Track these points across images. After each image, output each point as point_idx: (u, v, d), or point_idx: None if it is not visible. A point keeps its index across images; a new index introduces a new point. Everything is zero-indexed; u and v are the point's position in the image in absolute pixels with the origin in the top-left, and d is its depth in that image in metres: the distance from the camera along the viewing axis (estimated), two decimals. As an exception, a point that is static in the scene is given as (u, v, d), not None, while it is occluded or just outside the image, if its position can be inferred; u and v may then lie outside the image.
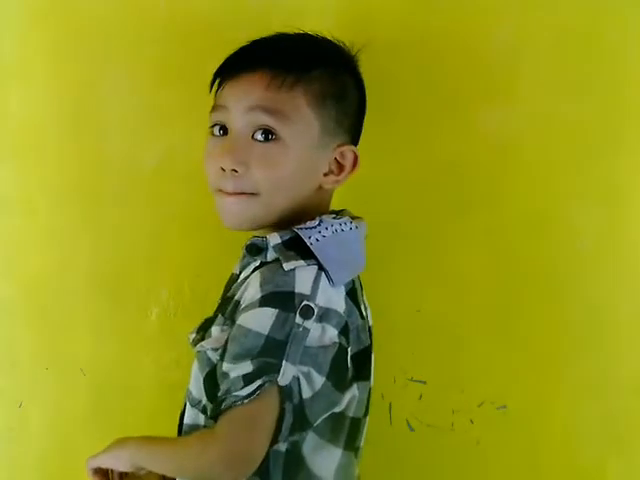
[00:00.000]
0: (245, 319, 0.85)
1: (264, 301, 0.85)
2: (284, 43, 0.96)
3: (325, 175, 0.95)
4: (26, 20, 1.22)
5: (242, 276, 0.95)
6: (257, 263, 0.93)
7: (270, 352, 0.83)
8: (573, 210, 1.19)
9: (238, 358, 0.84)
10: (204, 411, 0.91)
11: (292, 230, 0.90)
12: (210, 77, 1.19)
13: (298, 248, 0.88)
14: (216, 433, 0.84)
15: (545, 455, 1.21)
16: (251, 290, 0.87)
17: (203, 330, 0.94)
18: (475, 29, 1.18)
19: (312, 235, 0.89)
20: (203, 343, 0.91)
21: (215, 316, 0.94)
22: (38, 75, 1.22)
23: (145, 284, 1.24)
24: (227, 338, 0.87)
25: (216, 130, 0.94)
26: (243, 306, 0.87)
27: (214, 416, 0.86)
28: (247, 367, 0.83)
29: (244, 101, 0.91)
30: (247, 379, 0.82)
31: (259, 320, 0.84)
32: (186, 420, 0.95)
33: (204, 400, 0.91)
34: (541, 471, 1.22)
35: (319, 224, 0.91)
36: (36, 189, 1.24)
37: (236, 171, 0.90)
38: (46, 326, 1.25)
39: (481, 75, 1.18)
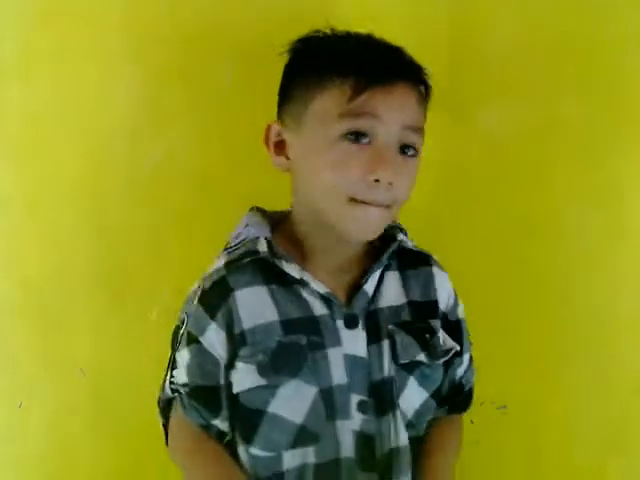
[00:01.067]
0: (463, 311, 1.03)
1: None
2: (402, 51, 0.93)
3: None
4: (27, 20, 1.22)
5: (371, 282, 0.95)
6: (381, 267, 0.96)
7: None
8: (573, 210, 1.19)
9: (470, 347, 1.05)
10: (415, 427, 0.95)
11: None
12: (210, 77, 1.20)
13: None
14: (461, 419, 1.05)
15: (545, 455, 1.22)
16: (447, 285, 1.01)
17: (425, 348, 0.95)
18: (475, 29, 1.18)
19: None
20: (445, 357, 0.98)
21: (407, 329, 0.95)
22: (39, 75, 1.22)
23: (145, 284, 1.24)
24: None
25: (363, 139, 0.87)
26: (452, 303, 1.01)
27: (463, 407, 1.04)
28: None
29: (401, 117, 0.88)
30: None
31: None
32: (402, 443, 0.92)
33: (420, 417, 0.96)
34: (541, 471, 1.22)
35: None
36: (36, 189, 1.24)
37: (391, 184, 0.87)
38: (46, 326, 1.25)
39: (481, 75, 1.18)
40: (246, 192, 1.20)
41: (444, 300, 1.00)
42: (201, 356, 0.92)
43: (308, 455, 0.90)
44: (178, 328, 0.97)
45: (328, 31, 0.94)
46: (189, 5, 1.21)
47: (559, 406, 1.21)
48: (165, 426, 1.01)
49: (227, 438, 0.94)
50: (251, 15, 1.20)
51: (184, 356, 0.94)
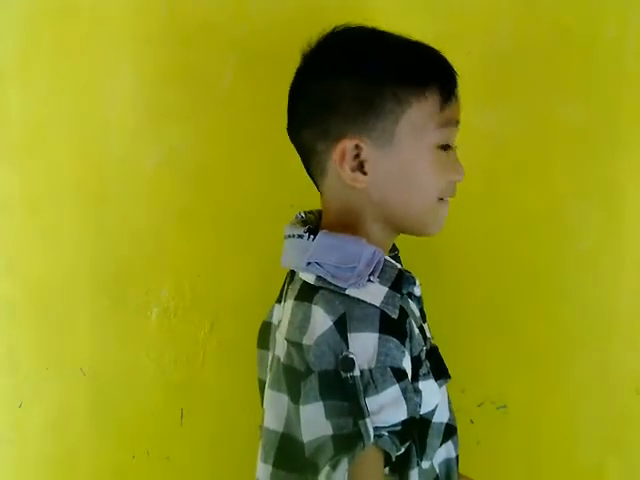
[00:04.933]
0: None
1: None
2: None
3: None
4: (28, 20, 1.22)
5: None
6: None
7: None
8: (572, 210, 1.19)
9: None
10: None
11: None
12: (210, 77, 1.20)
13: None
14: None
15: (545, 455, 1.21)
16: None
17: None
18: (475, 29, 1.18)
19: None
20: None
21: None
22: (39, 75, 1.22)
23: (145, 284, 1.24)
24: None
25: (451, 147, 0.93)
26: None
27: None
28: None
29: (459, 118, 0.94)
30: None
31: None
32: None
33: None
34: (541, 471, 1.22)
35: None
36: (36, 189, 1.24)
37: None
38: (46, 326, 1.25)
39: (481, 75, 1.18)
40: (246, 192, 1.21)
41: None
42: (409, 388, 0.84)
43: (451, 449, 0.95)
44: (331, 373, 0.82)
45: (357, 32, 0.94)
46: (189, 5, 1.21)
47: (559, 406, 1.21)
48: None
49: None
50: (251, 15, 1.20)
51: (395, 394, 0.83)
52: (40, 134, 1.24)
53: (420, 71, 0.90)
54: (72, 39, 1.21)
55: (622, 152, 1.18)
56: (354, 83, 0.89)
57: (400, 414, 0.82)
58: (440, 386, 0.91)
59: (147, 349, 1.24)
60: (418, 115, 0.88)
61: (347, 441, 0.80)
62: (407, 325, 0.85)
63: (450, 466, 0.95)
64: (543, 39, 1.17)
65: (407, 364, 0.84)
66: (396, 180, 0.91)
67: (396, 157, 0.90)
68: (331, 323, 0.82)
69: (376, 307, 0.83)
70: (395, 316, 0.83)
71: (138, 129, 1.23)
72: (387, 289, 0.85)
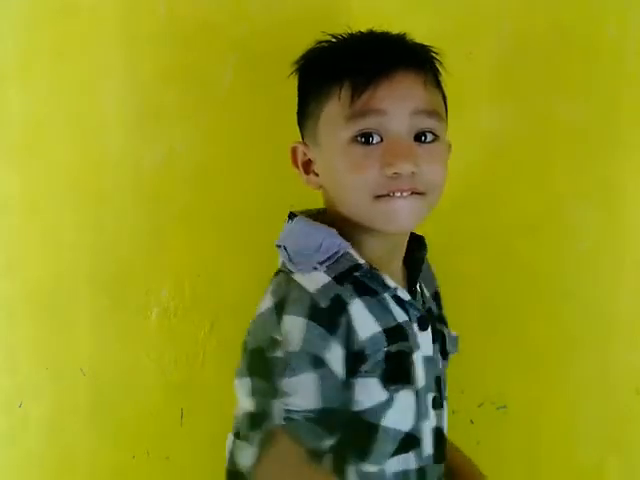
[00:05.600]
0: None
1: None
2: (401, 40, 0.92)
3: None
4: (27, 21, 1.22)
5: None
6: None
7: None
8: (572, 210, 1.19)
9: None
10: None
11: None
12: (210, 77, 1.20)
13: None
14: None
15: (545, 455, 1.22)
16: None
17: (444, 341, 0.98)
18: (475, 29, 1.18)
19: None
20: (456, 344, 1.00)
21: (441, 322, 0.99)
22: (39, 75, 1.22)
23: (145, 284, 1.24)
24: None
25: (373, 140, 0.87)
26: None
27: None
28: None
29: (407, 104, 0.87)
30: None
31: None
32: (446, 429, 0.97)
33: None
34: (541, 471, 1.22)
35: None
36: (36, 189, 1.24)
37: (414, 173, 0.86)
38: (46, 326, 1.25)
39: (481, 75, 1.18)
40: (246, 192, 1.21)
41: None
42: (330, 378, 0.85)
43: (410, 461, 0.90)
44: (259, 351, 0.87)
45: (329, 38, 0.93)
46: (189, 5, 1.21)
47: (559, 406, 1.21)
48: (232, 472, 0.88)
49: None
50: (251, 15, 1.20)
51: (309, 380, 0.84)
52: (40, 134, 1.24)
53: (331, 66, 0.90)
54: (72, 39, 1.21)
55: (622, 152, 1.18)
56: (298, 86, 0.94)
57: (312, 401, 0.84)
58: (395, 391, 0.88)
59: (147, 349, 1.24)
60: (331, 111, 0.89)
61: (259, 419, 0.84)
62: (341, 318, 0.85)
63: (408, 479, 0.90)
64: (543, 39, 1.17)
65: (333, 355, 0.84)
66: (328, 180, 0.92)
67: (323, 156, 0.91)
68: (271, 304, 0.87)
69: (309, 293, 0.85)
70: (324, 305, 0.84)
71: (138, 129, 1.23)
72: (329, 279, 0.87)
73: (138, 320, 1.24)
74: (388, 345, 0.88)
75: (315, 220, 0.94)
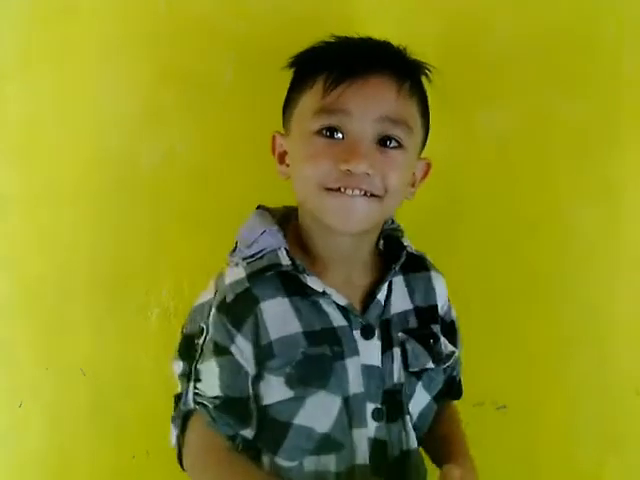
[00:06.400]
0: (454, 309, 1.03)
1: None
2: (386, 46, 0.92)
3: (407, 185, 0.96)
4: (27, 20, 1.22)
5: (383, 291, 0.95)
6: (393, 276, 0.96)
7: None
8: (571, 210, 1.19)
9: None
10: (420, 428, 0.96)
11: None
12: (210, 77, 1.20)
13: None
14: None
15: (544, 455, 1.22)
16: (443, 288, 1.02)
17: (431, 354, 0.96)
18: (475, 29, 1.18)
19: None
20: (448, 362, 0.98)
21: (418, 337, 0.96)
22: (38, 75, 1.22)
23: (145, 284, 1.24)
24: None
25: (336, 134, 0.88)
26: (447, 305, 1.02)
27: (458, 394, 1.05)
28: None
29: (374, 110, 0.88)
30: None
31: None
32: (412, 446, 0.94)
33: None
34: (540, 471, 1.22)
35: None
36: (35, 189, 1.24)
37: (368, 174, 0.87)
38: (46, 326, 1.25)
39: (481, 75, 1.18)
40: (246, 192, 1.20)
41: (442, 303, 1.02)
42: (232, 368, 0.90)
43: (329, 463, 0.90)
44: (191, 337, 0.93)
45: (329, 38, 0.94)
46: (189, 5, 1.21)
47: (559, 406, 1.21)
48: (178, 443, 0.96)
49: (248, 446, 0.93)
50: (251, 14, 1.19)
51: (212, 368, 0.90)
52: (39, 133, 1.24)
53: (312, 61, 0.92)
54: (72, 39, 1.21)
55: (622, 152, 1.18)
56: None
57: (214, 388, 0.90)
58: (305, 391, 0.89)
59: (147, 349, 1.24)
60: (305, 103, 0.91)
61: (178, 401, 0.93)
62: (248, 314, 0.89)
63: None
64: (542, 39, 1.17)
65: (239, 349, 0.89)
66: (292, 170, 0.94)
67: (291, 146, 0.94)
68: (211, 296, 0.93)
69: (224, 286, 0.91)
70: (229, 300, 0.90)
71: (137, 128, 1.23)
72: (243, 276, 0.91)
73: (138, 320, 1.24)
74: (309, 347, 0.89)
75: (283, 216, 0.97)
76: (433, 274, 1.01)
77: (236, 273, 0.92)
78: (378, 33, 0.93)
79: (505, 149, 1.20)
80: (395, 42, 0.93)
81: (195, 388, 0.91)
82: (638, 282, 1.20)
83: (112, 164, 1.23)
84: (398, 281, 0.98)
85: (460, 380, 1.06)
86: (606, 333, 1.20)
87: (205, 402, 0.90)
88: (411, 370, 0.94)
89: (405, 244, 0.99)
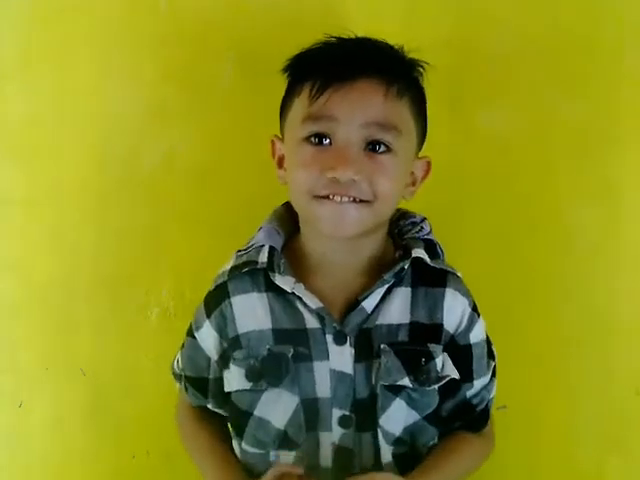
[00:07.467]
0: (480, 333, 0.98)
1: (477, 309, 0.98)
2: (376, 47, 0.91)
3: (406, 186, 0.95)
4: (27, 20, 1.22)
5: (372, 299, 0.92)
6: (390, 282, 0.93)
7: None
8: (572, 210, 1.19)
9: (490, 367, 0.99)
10: (406, 445, 0.93)
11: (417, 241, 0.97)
12: (210, 77, 1.20)
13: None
14: (488, 434, 1.02)
15: (545, 455, 1.22)
16: (459, 308, 0.95)
17: (413, 372, 0.91)
18: (475, 29, 1.18)
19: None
20: (435, 384, 0.92)
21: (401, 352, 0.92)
22: (39, 75, 1.22)
23: (145, 284, 1.24)
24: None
25: (324, 141, 0.88)
26: (464, 326, 0.95)
27: (476, 426, 0.99)
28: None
29: (360, 114, 0.86)
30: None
31: (484, 328, 0.99)
32: (385, 460, 0.91)
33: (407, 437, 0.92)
34: (541, 471, 1.22)
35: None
36: (37, 189, 1.24)
37: (354, 181, 0.86)
38: (46, 326, 1.25)
39: (481, 75, 1.18)
40: (246, 192, 1.21)
41: (453, 324, 0.95)
42: (193, 349, 0.99)
43: (289, 460, 0.92)
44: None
45: (327, 39, 0.93)
46: (189, 5, 1.21)
47: (559, 406, 1.21)
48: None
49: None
50: (251, 15, 1.19)
51: (185, 344, 1.02)
52: (40, 134, 1.24)
53: (301, 67, 0.92)
54: (72, 39, 1.21)
55: (622, 152, 1.18)
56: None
57: (180, 362, 1.02)
58: (261, 386, 0.91)
59: (147, 349, 1.24)
60: (295, 109, 0.92)
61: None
62: (218, 304, 0.95)
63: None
64: (543, 39, 1.17)
65: (204, 335, 0.97)
66: (287, 175, 0.95)
67: (285, 151, 0.95)
68: None
69: (216, 275, 0.98)
70: (211, 288, 0.97)
71: (138, 129, 1.23)
72: (227, 269, 0.96)
73: (138, 320, 1.24)
74: (275, 344, 0.91)
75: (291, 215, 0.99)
76: (449, 292, 0.95)
77: (226, 265, 0.98)
78: (379, 33, 0.93)
79: (505, 149, 1.19)
80: (396, 42, 0.93)
81: (179, 355, 1.04)
82: (638, 282, 1.20)
83: (112, 164, 1.23)
84: (402, 292, 0.94)
85: (483, 411, 0.99)
86: (606, 333, 1.20)
87: (177, 371, 1.04)
88: (382, 384, 0.90)
89: (414, 255, 0.94)
